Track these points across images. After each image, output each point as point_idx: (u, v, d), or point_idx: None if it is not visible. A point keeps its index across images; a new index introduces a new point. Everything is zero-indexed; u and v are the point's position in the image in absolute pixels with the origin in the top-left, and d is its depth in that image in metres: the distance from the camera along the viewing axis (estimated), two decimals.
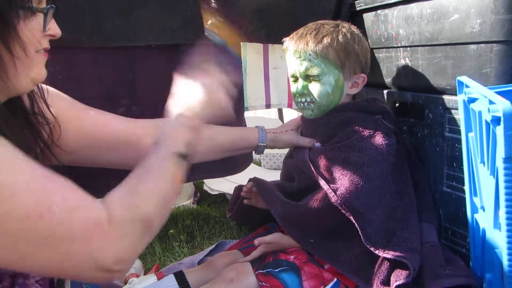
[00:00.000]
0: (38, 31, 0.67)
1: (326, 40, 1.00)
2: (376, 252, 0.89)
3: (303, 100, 1.06)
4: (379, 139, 0.99)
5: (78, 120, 0.91)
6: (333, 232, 1.00)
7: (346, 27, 1.04)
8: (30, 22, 0.65)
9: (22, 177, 0.56)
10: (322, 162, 1.02)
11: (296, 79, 1.07)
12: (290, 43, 1.05)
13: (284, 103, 1.66)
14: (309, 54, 1.01)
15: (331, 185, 0.97)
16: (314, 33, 1.02)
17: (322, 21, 1.06)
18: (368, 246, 0.90)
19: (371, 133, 1.00)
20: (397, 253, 0.87)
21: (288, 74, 1.09)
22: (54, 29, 0.70)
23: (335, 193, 0.95)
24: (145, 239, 0.66)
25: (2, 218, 0.53)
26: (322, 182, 0.99)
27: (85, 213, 0.59)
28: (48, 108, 0.81)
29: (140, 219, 0.64)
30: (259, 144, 1.10)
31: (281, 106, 1.67)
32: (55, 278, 0.80)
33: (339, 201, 0.94)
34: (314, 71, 1.01)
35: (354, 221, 0.92)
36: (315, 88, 1.03)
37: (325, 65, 1.01)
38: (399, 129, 1.11)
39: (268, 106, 1.63)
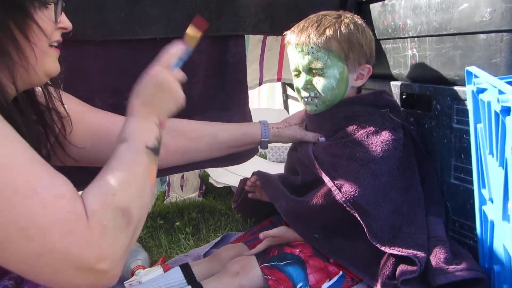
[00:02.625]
0: (51, 22, 0.69)
1: (329, 32, 0.98)
2: (383, 248, 0.89)
3: (307, 95, 1.04)
4: (385, 134, 0.97)
5: (86, 118, 0.93)
6: (338, 227, 0.99)
7: (349, 17, 1.02)
8: (43, 12, 0.67)
9: (16, 154, 0.55)
10: (327, 158, 1.01)
11: (298, 73, 1.05)
12: (291, 37, 1.03)
13: (274, 78, 1.70)
14: (312, 47, 0.99)
15: (336, 182, 0.96)
16: (316, 25, 0.99)
17: (324, 12, 1.04)
18: (374, 243, 0.89)
19: (378, 128, 0.98)
20: (404, 249, 0.86)
21: (291, 68, 1.07)
22: (65, 21, 0.73)
23: (340, 190, 0.94)
24: (128, 231, 0.62)
25: None
26: (327, 179, 0.98)
27: (69, 205, 0.56)
28: (62, 104, 0.83)
29: (116, 206, 0.60)
30: (262, 139, 1.09)
31: (271, 81, 1.71)
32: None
33: (343, 199, 0.93)
34: (318, 64, 0.99)
35: (359, 218, 0.91)
36: (319, 82, 1.01)
37: (329, 58, 0.99)
38: (407, 120, 1.10)
39: (260, 83, 1.66)
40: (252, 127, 1.10)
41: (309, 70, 1.02)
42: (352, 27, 1.00)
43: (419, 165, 1.02)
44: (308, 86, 1.02)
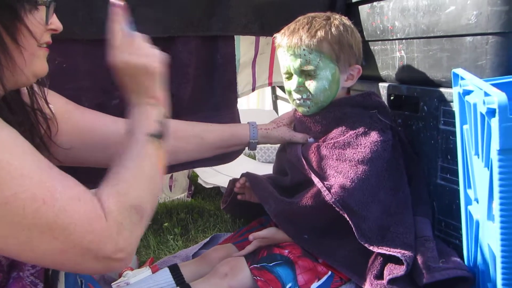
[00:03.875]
0: (41, 25, 0.68)
1: (320, 34, 0.98)
2: (371, 248, 0.89)
3: (299, 97, 1.04)
4: (374, 135, 0.98)
5: (73, 118, 0.91)
6: (327, 228, 1.00)
7: (338, 19, 1.03)
8: (34, 15, 0.66)
9: (29, 162, 0.57)
10: (316, 159, 1.02)
11: (290, 76, 1.05)
12: (282, 39, 1.03)
13: (266, 82, 1.71)
14: (304, 49, 0.99)
15: (325, 183, 0.97)
16: (307, 27, 0.99)
17: (313, 14, 1.04)
18: (362, 243, 0.90)
19: (366, 130, 0.99)
20: (391, 248, 0.87)
21: (281, 71, 1.07)
22: (56, 23, 0.72)
23: (329, 191, 0.94)
24: (142, 224, 0.67)
25: (9, 199, 0.53)
26: (316, 180, 0.98)
27: (86, 205, 0.60)
28: (47, 104, 0.82)
29: (130, 205, 0.65)
30: (251, 141, 1.09)
31: (263, 86, 1.72)
32: (51, 269, 0.79)
33: (333, 200, 0.93)
34: (310, 66, 1.00)
35: (348, 219, 0.92)
36: (312, 84, 1.01)
37: (321, 60, 0.99)
38: (394, 121, 1.11)
39: (253, 89, 1.66)
40: (241, 128, 1.10)
41: (301, 72, 1.02)
42: (341, 28, 1.01)
43: (407, 166, 1.03)
44: (301, 88, 1.03)
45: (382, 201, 0.95)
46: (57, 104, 0.87)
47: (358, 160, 0.96)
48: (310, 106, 1.04)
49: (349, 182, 0.94)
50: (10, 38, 0.63)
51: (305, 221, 1.01)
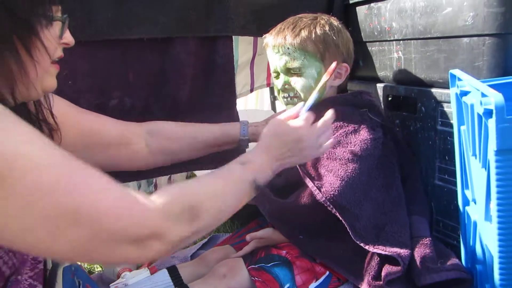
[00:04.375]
0: (54, 39, 0.69)
1: (304, 33, 1.00)
2: (366, 247, 0.89)
3: (286, 95, 1.05)
4: (364, 133, 0.98)
5: (75, 120, 0.93)
6: (322, 228, 1.00)
7: (324, 19, 1.04)
8: (49, 30, 0.67)
9: (54, 154, 0.56)
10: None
11: (278, 75, 1.06)
12: (269, 39, 1.05)
13: (264, 83, 1.72)
14: (288, 48, 1.00)
15: (316, 182, 0.96)
16: (292, 27, 1.01)
17: (301, 15, 1.06)
18: (357, 242, 0.90)
19: (356, 128, 0.99)
20: (387, 248, 0.87)
21: (270, 70, 1.08)
22: (68, 37, 0.73)
23: (320, 190, 0.94)
24: (190, 227, 0.65)
25: (35, 192, 0.52)
26: (307, 180, 0.98)
27: (115, 192, 0.59)
28: (52, 115, 0.83)
29: (188, 203, 0.65)
30: (241, 137, 1.09)
31: (261, 87, 1.73)
32: (48, 271, 0.79)
33: (323, 199, 0.93)
34: (295, 64, 1.01)
35: (341, 218, 0.91)
36: (298, 82, 1.02)
37: (305, 58, 1.00)
38: (392, 122, 1.11)
39: (252, 90, 1.67)
40: (231, 126, 1.11)
41: (287, 71, 1.03)
42: (327, 28, 1.02)
43: (401, 165, 1.03)
44: (287, 86, 1.04)
45: (375, 199, 0.95)
46: (60, 108, 0.87)
47: (348, 158, 0.96)
48: (297, 103, 1.05)
49: (339, 180, 0.94)
50: (26, 52, 0.64)
51: (300, 221, 1.01)
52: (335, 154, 0.97)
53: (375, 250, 0.88)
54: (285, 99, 1.06)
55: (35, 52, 0.65)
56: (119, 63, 1.11)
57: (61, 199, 0.53)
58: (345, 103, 1.05)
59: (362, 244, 0.90)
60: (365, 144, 0.97)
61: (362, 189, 0.94)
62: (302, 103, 0.89)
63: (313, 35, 1.00)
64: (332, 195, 0.93)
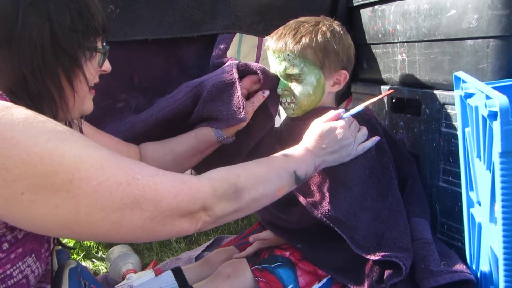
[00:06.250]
0: (95, 69, 0.74)
1: (304, 40, 0.98)
2: (368, 257, 0.89)
3: (284, 100, 1.05)
4: None
5: (96, 140, 0.94)
6: (320, 239, 0.99)
7: (326, 25, 1.02)
8: (91, 61, 0.72)
9: (103, 152, 0.61)
10: None
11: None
12: (270, 43, 1.04)
13: None
14: (288, 55, 0.99)
15: (310, 199, 0.96)
16: (293, 33, 1.00)
17: (303, 19, 1.04)
18: (359, 253, 0.89)
19: None
20: (389, 254, 0.86)
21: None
22: (107, 65, 0.78)
23: (315, 207, 0.94)
24: (232, 204, 0.72)
25: (96, 188, 0.58)
26: (301, 198, 0.97)
27: (166, 175, 0.66)
28: (82, 132, 0.86)
29: (234, 183, 0.72)
30: (219, 139, 1.06)
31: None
32: (54, 272, 0.80)
33: (319, 215, 0.93)
34: (294, 70, 1.00)
35: (339, 232, 0.91)
36: (296, 89, 1.02)
37: (305, 65, 0.99)
38: (396, 124, 1.11)
39: None
40: (204, 132, 1.07)
41: (287, 76, 1.02)
42: (328, 35, 1.00)
43: (400, 167, 1.03)
44: (285, 92, 1.03)
45: (371, 208, 0.94)
46: (84, 130, 0.90)
47: (339, 171, 0.95)
48: (294, 109, 1.04)
49: (333, 195, 0.93)
50: (68, 83, 0.69)
51: (297, 233, 1.01)
52: (327, 169, 0.96)
53: (377, 258, 0.87)
54: (282, 104, 1.06)
55: (76, 83, 0.70)
56: (124, 64, 1.12)
57: (124, 190, 0.60)
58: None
59: (364, 255, 0.89)
60: (354, 156, 0.96)
61: (356, 201, 0.94)
62: (343, 109, 0.95)
63: (314, 43, 0.99)
64: (327, 210, 0.92)
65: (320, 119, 0.94)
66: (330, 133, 0.90)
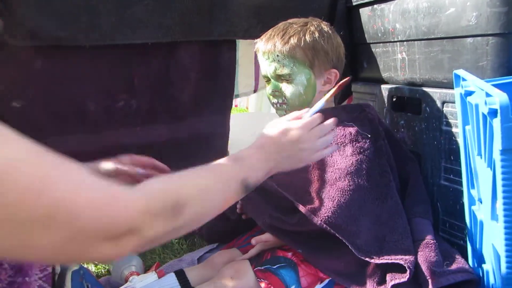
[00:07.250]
0: None
1: (293, 41, 0.99)
2: (372, 261, 0.88)
3: (275, 101, 1.05)
4: (348, 150, 0.98)
5: None
6: (321, 243, 0.98)
7: (315, 25, 1.03)
8: None
9: (25, 145, 0.50)
10: (299, 184, 0.99)
11: (268, 80, 1.06)
12: (260, 44, 1.05)
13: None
14: (277, 55, 1.00)
15: (310, 207, 0.95)
16: (281, 34, 1.01)
17: (291, 20, 1.05)
18: (362, 258, 0.89)
19: (340, 145, 0.98)
20: (391, 256, 0.86)
21: (262, 74, 1.08)
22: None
23: (315, 214, 0.93)
24: (171, 224, 0.60)
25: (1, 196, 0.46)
26: (300, 206, 0.96)
27: (93, 187, 0.54)
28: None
29: (173, 198, 0.60)
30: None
31: (263, 88, 1.72)
32: (57, 274, 0.80)
33: (319, 222, 0.92)
34: (284, 71, 1.00)
35: (341, 238, 0.90)
36: (287, 89, 1.02)
37: (295, 65, 1.00)
38: (396, 123, 1.11)
39: (255, 91, 1.67)
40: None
41: (277, 77, 1.03)
42: (317, 34, 1.01)
43: (402, 166, 1.02)
44: (276, 93, 1.03)
45: (370, 212, 0.94)
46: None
47: (336, 178, 0.95)
48: (286, 110, 1.04)
49: (331, 201, 0.93)
50: None
51: (298, 238, 1.00)
52: (324, 176, 0.96)
53: (380, 261, 0.87)
54: (274, 105, 1.06)
55: None
56: (124, 67, 1.12)
57: (35, 203, 0.48)
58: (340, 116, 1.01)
59: (367, 259, 0.88)
60: (349, 161, 0.96)
61: (356, 206, 0.93)
62: (307, 108, 0.86)
63: (302, 43, 0.99)
64: (327, 217, 0.92)
65: (281, 118, 0.84)
66: (285, 134, 0.79)
